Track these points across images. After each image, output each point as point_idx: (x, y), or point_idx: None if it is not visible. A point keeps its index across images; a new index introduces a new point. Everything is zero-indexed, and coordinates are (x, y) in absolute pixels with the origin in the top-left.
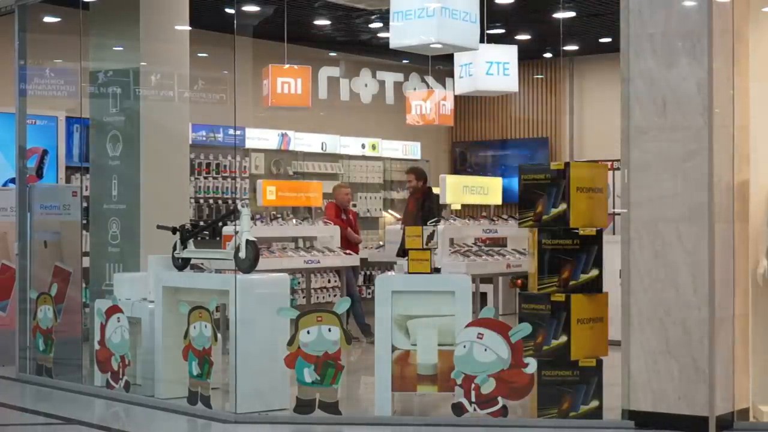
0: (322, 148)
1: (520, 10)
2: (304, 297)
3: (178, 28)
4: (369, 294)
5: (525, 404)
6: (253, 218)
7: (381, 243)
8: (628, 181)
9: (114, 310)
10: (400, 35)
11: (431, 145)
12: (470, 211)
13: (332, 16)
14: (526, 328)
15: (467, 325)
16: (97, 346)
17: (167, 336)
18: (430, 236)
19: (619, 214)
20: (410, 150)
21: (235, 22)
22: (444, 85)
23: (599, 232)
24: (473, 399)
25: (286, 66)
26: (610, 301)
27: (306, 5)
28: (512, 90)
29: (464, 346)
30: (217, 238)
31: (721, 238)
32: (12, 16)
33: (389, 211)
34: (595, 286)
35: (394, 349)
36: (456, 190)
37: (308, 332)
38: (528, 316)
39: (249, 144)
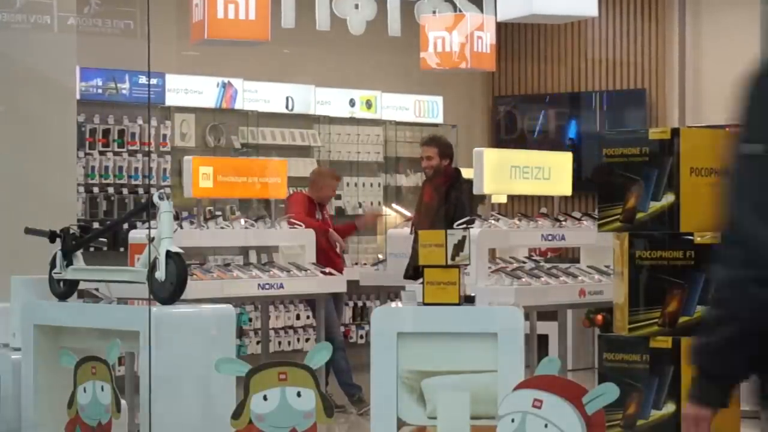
0: (287, 107)
1: None
2: (258, 342)
3: None
4: (361, 338)
5: None
6: (177, 217)
7: (380, 257)
8: None
9: None
10: None
11: (460, 101)
12: (522, 206)
13: None
14: (610, 392)
15: (517, 387)
16: None
17: (42, 403)
18: (459, 246)
19: None
20: (427, 110)
21: None
22: (480, 7)
23: None
24: None
25: None
26: None
27: None
28: (589, 14)
29: (512, 420)
30: (121, 249)
31: None
32: None
33: (393, 205)
34: None
35: (401, 424)
36: (500, 172)
37: (265, 398)
38: (613, 372)
39: (171, 100)
